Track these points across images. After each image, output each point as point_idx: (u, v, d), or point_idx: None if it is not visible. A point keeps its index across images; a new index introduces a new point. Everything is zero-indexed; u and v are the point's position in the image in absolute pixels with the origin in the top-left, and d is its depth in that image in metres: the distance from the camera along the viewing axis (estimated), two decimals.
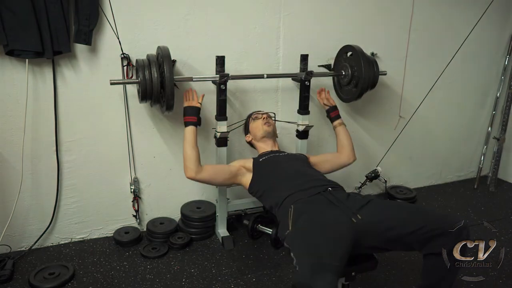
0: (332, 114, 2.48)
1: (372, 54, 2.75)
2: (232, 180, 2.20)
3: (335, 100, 2.60)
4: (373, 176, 2.91)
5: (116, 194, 2.49)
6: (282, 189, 1.96)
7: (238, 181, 2.21)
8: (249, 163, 2.21)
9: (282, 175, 2.07)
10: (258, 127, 2.37)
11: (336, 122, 2.46)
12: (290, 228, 1.74)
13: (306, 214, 1.75)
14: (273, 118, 2.47)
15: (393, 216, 1.74)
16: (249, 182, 2.16)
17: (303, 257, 1.54)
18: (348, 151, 2.40)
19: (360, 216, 1.70)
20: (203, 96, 2.24)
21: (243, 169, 2.20)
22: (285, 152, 2.34)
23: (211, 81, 2.33)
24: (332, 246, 1.56)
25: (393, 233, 1.69)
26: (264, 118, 2.38)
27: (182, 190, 2.63)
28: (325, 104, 2.53)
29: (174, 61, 2.28)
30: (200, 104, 2.21)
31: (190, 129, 2.15)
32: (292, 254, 1.61)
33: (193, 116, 2.16)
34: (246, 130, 2.48)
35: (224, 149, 2.36)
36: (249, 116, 2.48)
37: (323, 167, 2.35)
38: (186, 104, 2.21)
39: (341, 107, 2.58)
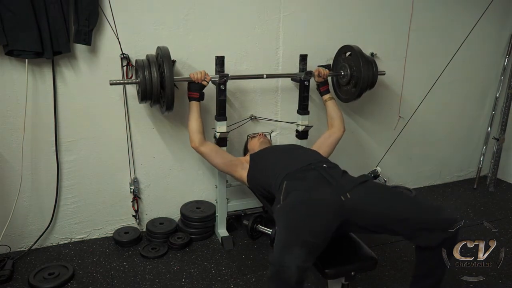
0: (322, 88, 2.53)
1: (372, 54, 2.75)
2: (229, 168, 2.25)
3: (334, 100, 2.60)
4: (373, 176, 2.90)
5: (116, 194, 2.49)
6: (279, 171, 1.97)
7: (238, 174, 2.25)
8: (248, 157, 2.29)
9: (278, 157, 2.14)
10: (255, 142, 2.46)
11: (327, 96, 2.52)
12: (281, 202, 1.80)
13: (296, 190, 1.80)
14: (269, 136, 2.62)
15: (382, 201, 1.75)
16: (247, 172, 2.20)
17: (281, 232, 1.61)
18: (338, 123, 2.48)
19: (349, 195, 1.74)
20: (210, 78, 2.26)
21: (244, 162, 2.27)
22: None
23: (210, 81, 2.33)
24: (312, 222, 1.60)
25: (380, 217, 1.71)
26: (260, 135, 2.50)
27: (181, 190, 2.63)
28: (317, 78, 2.53)
29: (174, 61, 2.28)
30: (207, 82, 2.25)
31: (192, 104, 2.24)
32: (276, 228, 1.68)
33: (196, 92, 2.23)
34: (245, 150, 2.55)
35: (223, 149, 2.35)
36: (247, 137, 2.56)
37: (322, 151, 2.39)
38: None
39: (341, 107, 2.59)
